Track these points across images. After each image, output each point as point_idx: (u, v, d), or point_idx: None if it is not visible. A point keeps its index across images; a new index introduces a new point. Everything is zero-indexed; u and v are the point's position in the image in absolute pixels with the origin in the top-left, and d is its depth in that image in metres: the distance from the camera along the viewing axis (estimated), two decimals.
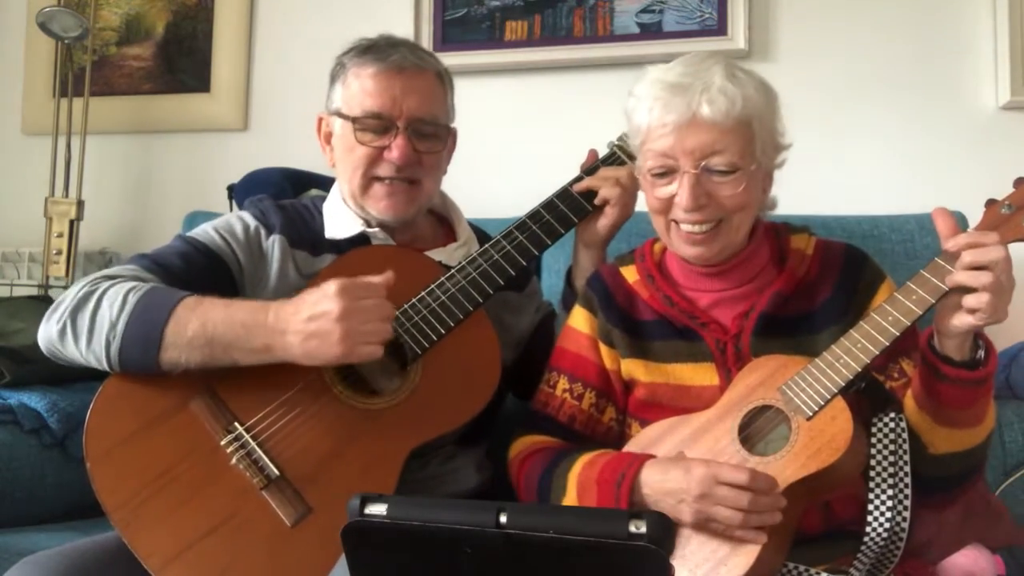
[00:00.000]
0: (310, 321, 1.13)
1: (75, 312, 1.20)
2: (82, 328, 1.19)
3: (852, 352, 1.07)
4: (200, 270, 1.29)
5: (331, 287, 1.13)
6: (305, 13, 2.37)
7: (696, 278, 1.26)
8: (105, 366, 1.19)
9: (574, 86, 2.19)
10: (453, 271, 1.31)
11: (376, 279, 1.16)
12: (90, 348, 1.18)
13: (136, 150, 2.47)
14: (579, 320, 1.32)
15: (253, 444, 1.17)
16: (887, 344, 1.05)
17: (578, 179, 1.44)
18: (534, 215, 1.40)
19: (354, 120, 1.33)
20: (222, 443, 1.18)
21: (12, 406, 1.65)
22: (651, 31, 2.15)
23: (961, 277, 1.00)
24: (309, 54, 2.31)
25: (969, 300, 0.99)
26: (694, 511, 1.04)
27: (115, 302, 1.18)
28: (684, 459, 1.10)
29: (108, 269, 1.27)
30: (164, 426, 1.18)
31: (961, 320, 1.00)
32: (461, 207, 1.52)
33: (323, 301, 1.13)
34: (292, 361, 1.16)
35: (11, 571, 1.09)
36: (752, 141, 1.16)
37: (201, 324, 1.15)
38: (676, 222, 1.20)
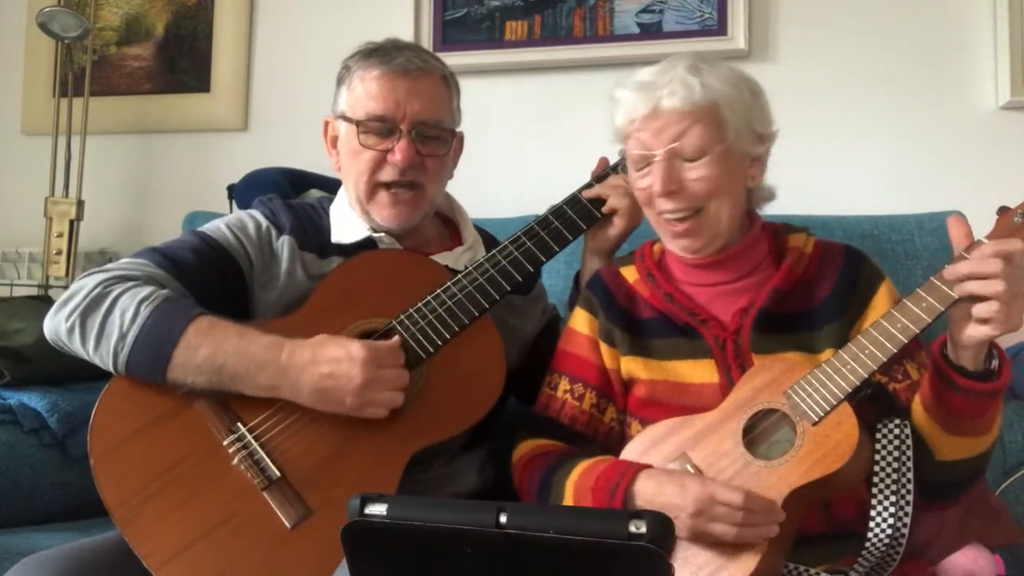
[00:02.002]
0: (328, 377, 1.14)
1: (85, 313, 1.19)
2: (91, 331, 1.18)
3: (860, 358, 1.06)
4: (211, 266, 1.29)
5: (358, 352, 1.14)
6: (305, 13, 2.37)
7: (693, 271, 1.27)
8: (111, 371, 1.20)
9: (574, 86, 2.19)
10: (460, 276, 1.31)
11: (395, 345, 1.19)
12: (97, 352, 1.19)
13: (136, 150, 2.47)
14: (579, 322, 1.32)
15: (255, 445, 1.17)
16: (895, 351, 1.05)
17: (588, 185, 1.44)
18: (543, 221, 1.39)
19: (358, 123, 1.33)
20: (224, 443, 1.18)
21: (12, 406, 1.65)
22: (651, 31, 2.14)
23: (971, 286, 0.99)
24: (309, 54, 2.32)
25: (979, 309, 0.98)
26: (688, 527, 1.05)
27: (127, 311, 1.17)
28: (679, 474, 1.10)
29: (120, 263, 1.27)
30: (168, 425, 1.19)
31: (976, 330, 0.99)
32: (463, 207, 1.52)
33: (346, 363, 1.14)
34: (296, 402, 1.17)
35: (11, 571, 1.09)
36: (720, 126, 1.19)
37: (212, 352, 1.16)
38: (661, 214, 1.23)
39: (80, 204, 2.26)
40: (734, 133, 1.19)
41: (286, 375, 1.16)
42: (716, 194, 1.20)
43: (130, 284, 1.21)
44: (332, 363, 1.15)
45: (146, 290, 1.20)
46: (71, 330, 1.19)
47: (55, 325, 1.22)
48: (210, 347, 1.16)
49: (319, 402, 1.16)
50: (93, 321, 1.19)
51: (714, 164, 1.18)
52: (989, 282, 0.98)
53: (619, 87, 1.25)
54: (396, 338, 1.22)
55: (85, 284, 1.22)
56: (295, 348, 1.17)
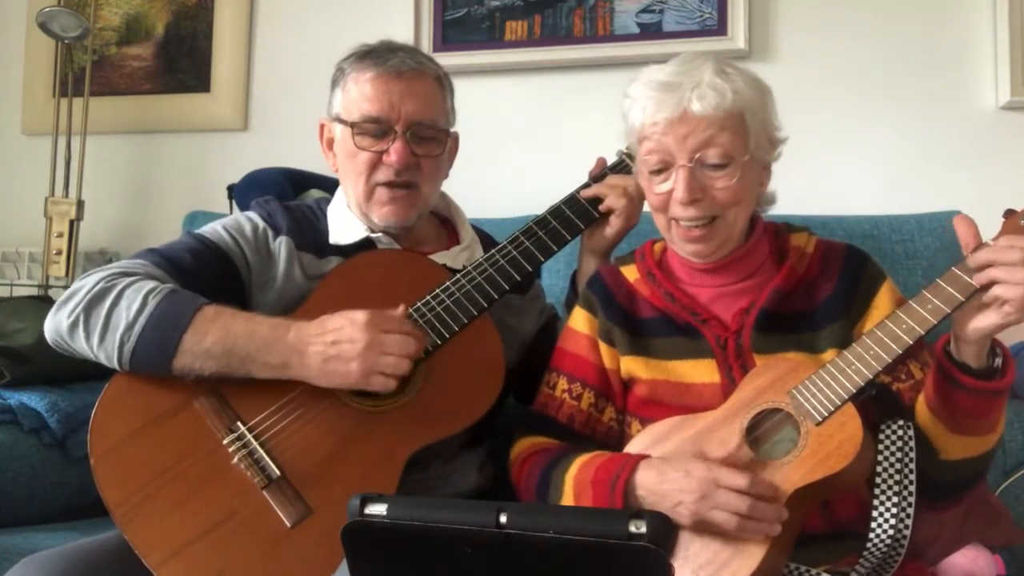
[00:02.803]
0: (333, 345, 1.15)
1: (89, 307, 1.19)
2: (95, 324, 1.18)
3: (864, 359, 1.06)
4: (209, 267, 1.29)
5: (360, 316, 1.15)
6: (305, 13, 2.37)
7: (696, 274, 1.26)
8: (115, 365, 1.19)
9: (574, 86, 2.19)
10: (459, 276, 1.31)
11: (400, 313, 1.19)
12: (102, 346, 1.19)
13: (136, 150, 2.47)
14: (579, 321, 1.32)
15: (255, 444, 1.18)
16: (900, 352, 1.04)
17: (586, 186, 1.44)
18: (541, 221, 1.39)
19: (353, 125, 1.34)
20: (224, 442, 1.18)
21: (12, 406, 1.65)
22: (651, 31, 2.15)
23: (994, 272, 0.97)
24: (309, 54, 2.32)
25: (1001, 290, 0.96)
26: (692, 513, 1.04)
27: (134, 302, 1.18)
28: (682, 460, 1.09)
29: (119, 263, 1.27)
30: (168, 424, 1.19)
31: (982, 321, 0.99)
32: (460, 207, 1.52)
33: (349, 328, 1.15)
34: (307, 380, 1.17)
35: (11, 571, 1.09)
36: (744, 134, 1.17)
37: (221, 335, 1.16)
38: (675, 220, 1.21)
39: (80, 204, 2.26)
40: (754, 142, 1.18)
41: (295, 351, 1.16)
42: (737, 203, 1.18)
43: (133, 279, 1.22)
44: (335, 331, 1.16)
45: (150, 283, 1.20)
46: (74, 326, 1.19)
47: (56, 324, 1.22)
48: (219, 332, 1.17)
49: (329, 373, 1.16)
50: (98, 314, 1.19)
51: (737, 172, 1.17)
52: (1013, 268, 0.95)
53: (637, 84, 1.21)
54: (402, 306, 1.21)
55: (86, 282, 1.22)
56: (301, 326, 1.18)
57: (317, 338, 1.16)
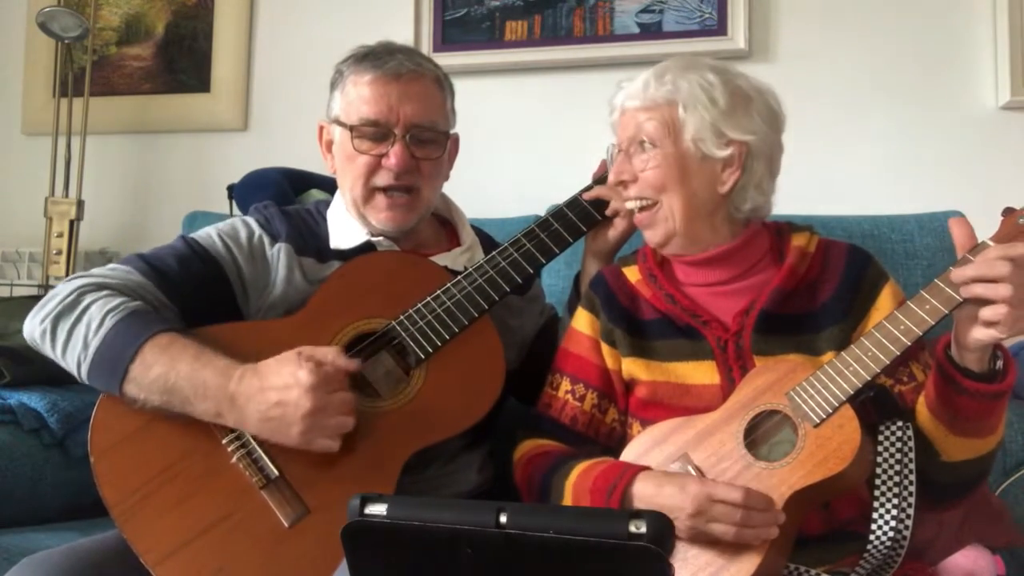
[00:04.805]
0: (276, 406, 1.11)
1: (57, 319, 1.20)
2: (60, 337, 1.19)
3: (862, 360, 1.06)
4: (196, 274, 1.28)
5: (305, 378, 1.10)
6: (305, 13, 2.37)
7: (691, 270, 1.27)
8: (78, 378, 1.20)
9: (574, 86, 2.19)
10: (460, 277, 1.31)
11: (345, 364, 1.15)
12: (64, 359, 1.20)
13: (136, 150, 2.47)
14: (581, 322, 1.32)
15: (254, 443, 1.17)
16: (898, 354, 1.04)
17: (588, 188, 1.44)
18: (543, 223, 1.39)
19: (352, 128, 1.33)
20: (223, 442, 1.18)
21: (12, 406, 1.65)
22: (651, 31, 2.15)
23: (978, 289, 0.98)
24: (309, 54, 2.32)
25: (986, 312, 0.97)
26: (687, 528, 1.05)
27: (93, 321, 1.18)
28: (678, 475, 1.09)
29: (101, 269, 1.27)
30: (168, 423, 1.18)
31: (982, 333, 0.98)
32: (460, 207, 1.52)
33: (295, 390, 1.10)
34: (244, 431, 1.16)
35: (11, 571, 1.09)
36: (675, 123, 1.22)
37: (165, 371, 1.14)
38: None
39: (80, 204, 2.27)
40: (693, 132, 1.20)
41: (233, 403, 1.13)
42: (666, 188, 1.22)
43: (103, 293, 1.21)
44: (280, 389, 1.11)
45: (115, 301, 1.19)
46: (43, 334, 1.21)
47: (31, 328, 1.23)
48: (164, 366, 1.14)
49: (268, 432, 1.13)
50: (63, 328, 1.19)
51: (664, 157, 1.21)
52: (996, 285, 0.96)
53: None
54: (334, 356, 1.14)
55: (61, 290, 1.23)
56: (245, 374, 1.14)
57: (259, 395, 1.12)
